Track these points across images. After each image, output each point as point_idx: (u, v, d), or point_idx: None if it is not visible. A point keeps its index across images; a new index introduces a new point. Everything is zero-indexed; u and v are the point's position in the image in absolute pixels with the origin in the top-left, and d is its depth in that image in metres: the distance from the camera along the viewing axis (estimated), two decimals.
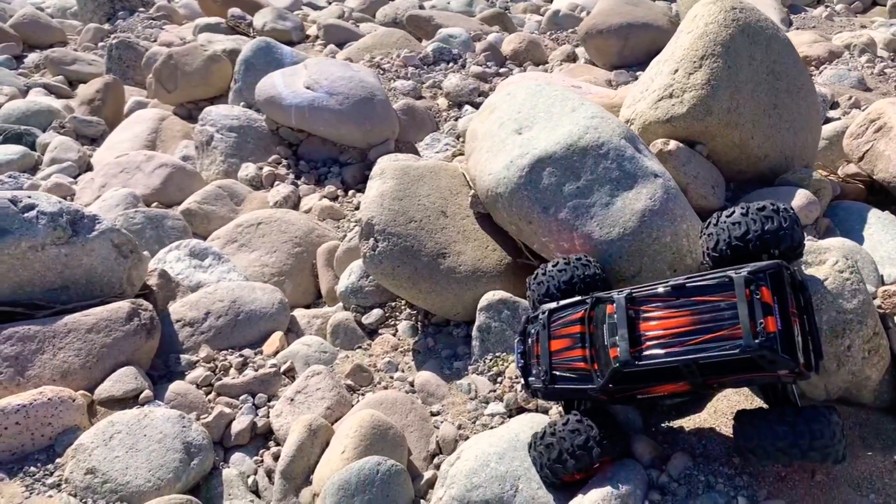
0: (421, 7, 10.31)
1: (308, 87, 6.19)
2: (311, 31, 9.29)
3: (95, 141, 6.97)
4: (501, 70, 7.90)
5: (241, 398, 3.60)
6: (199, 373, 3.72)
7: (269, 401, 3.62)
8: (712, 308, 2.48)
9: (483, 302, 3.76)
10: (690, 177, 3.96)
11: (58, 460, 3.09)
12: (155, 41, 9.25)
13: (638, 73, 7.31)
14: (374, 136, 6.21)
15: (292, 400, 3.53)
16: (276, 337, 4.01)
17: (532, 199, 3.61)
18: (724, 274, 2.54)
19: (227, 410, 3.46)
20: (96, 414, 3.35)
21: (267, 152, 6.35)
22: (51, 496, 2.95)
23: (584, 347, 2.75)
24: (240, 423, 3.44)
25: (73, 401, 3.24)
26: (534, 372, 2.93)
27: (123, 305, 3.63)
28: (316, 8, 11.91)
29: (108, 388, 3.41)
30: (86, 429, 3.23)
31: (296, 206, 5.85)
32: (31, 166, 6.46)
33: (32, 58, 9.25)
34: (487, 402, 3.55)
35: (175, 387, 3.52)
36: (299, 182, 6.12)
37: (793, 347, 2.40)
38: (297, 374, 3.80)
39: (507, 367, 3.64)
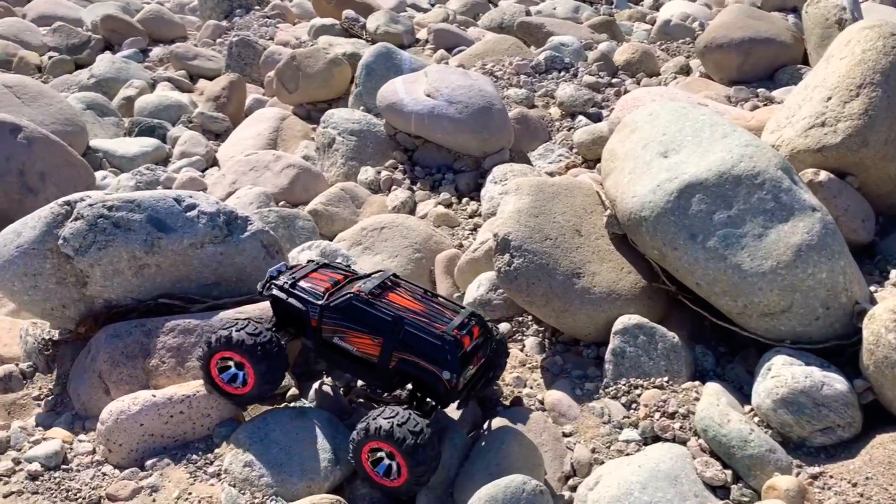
0: (527, 13, 10.29)
1: (428, 95, 6.30)
2: (421, 34, 9.42)
3: (220, 136, 7.29)
4: (614, 80, 7.81)
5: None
6: (336, 374, 3.85)
7: None
8: (438, 312, 3.28)
9: (618, 325, 3.75)
10: (841, 209, 3.83)
11: (216, 450, 3.27)
12: (270, 39, 9.58)
13: (759, 90, 7.10)
14: (489, 146, 6.26)
15: None
16: None
17: (679, 225, 3.57)
18: (460, 304, 3.66)
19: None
20: (247, 408, 3.52)
21: (384, 156, 6.50)
22: (212, 484, 3.12)
23: (333, 285, 3.36)
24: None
25: None
26: (282, 278, 3.39)
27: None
28: (419, 9, 12.06)
29: None
30: (240, 421, 3.40)
31: (412, 212, 5.97)
32: (162, 159, 6.83)
33: (157, 52, 9.74)
34: (622, 428, 3.54)
35: (317, 386, 3.65)
36: (415, 187, 6.24)
37: (461, 366, 3.10)
38: None
39: (643, 393, 3.62)
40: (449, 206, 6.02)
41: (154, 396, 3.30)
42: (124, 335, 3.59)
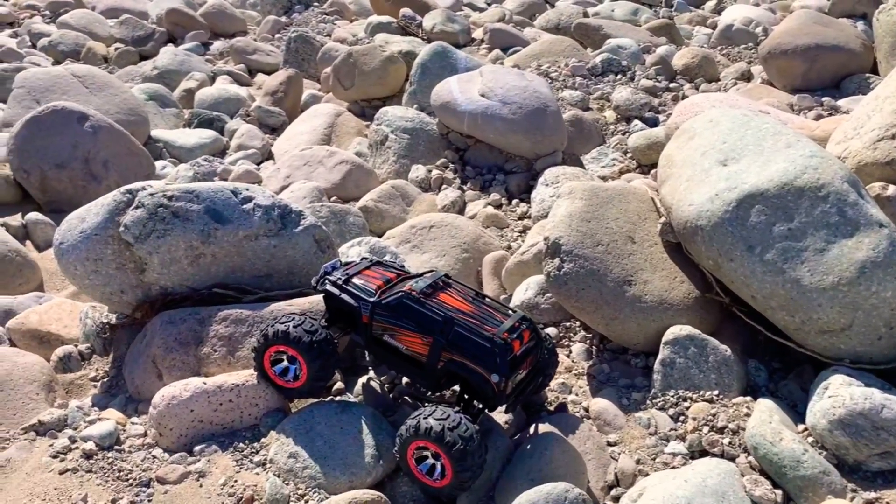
0: (585, 14, 10.17)
1: (483, 95, 6.29)
2: (477, 34, 9.41)
3: (275, 130, 7.42)
4: (672, 85, 7.66)
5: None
6: (381, 370, 3.87)
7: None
8: (489, 314, 3.26)
9: (669, 335, 3.68)
10: None
11: (262, 440, 3.33)
12: (328, 36, 9.70)
13: (824, 99, 6.87)
14: (542, 147, 6.22)
15: None
16: None
17: (736, 235, 3.48)
18: (511, 307, 3.60)
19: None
20: (294, 400, 3.57)
21: (436, 155, 6.52)
22: (257, 473, 3.18)
23: (385, 283, 3.37)
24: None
25: None
26: (335, 274, 3.42)
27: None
28: (475, 8, 12.05)
29: None
30: (287, 412, 3.45)
31: (461, 211, 5.97)
32: (219, 150, 6.99)
33: (217, 45, 9.97)
34: (668, 440, 3.47)
35: (364, 382, 3.69)
36: (465, 187, 6.24)
37: (510, 370, 3.08)
38: None
39: (692, 406, 3.54)
40: (498, 207, 5.99)
41: (205, 384, 3.37)
42: (178, 322, 3.68)
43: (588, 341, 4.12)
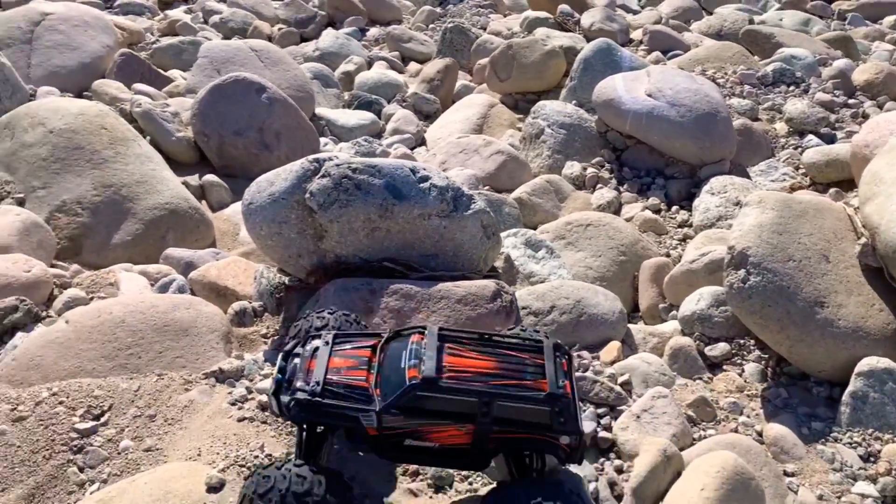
0: (751, 21, 9.64)
1: (649, 95, 6.06)
2: (635, 35, 9.14)
3: (429, 117, 7.50)
4: (850, 101, 7.10)
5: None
6: None
7: (611, 411, 3.59)
8: (518, 362, 2.58)
9: (863, 367, 3.38)
10: None
11: None
12: (482, 28, 9.72)
13: None
14: (709, 154, 5.92)
15: (638, 417, 3.46)
16: (615, 346, 3.97)
17: None
18: (532, 338, 2.73)
19: None
20: None
21: (591, 153, 6.36)
22: None
23: (370, 372, 2.54)
24: (585, 427, 3.43)
25: None
26: (299, 384, 2.55)
27: (489, 284, 3.81)
28: (628, 10, 11.72)
29: None
30: None
31: (617, 212, 5.79)
32: (375, 133, 7.14)
33: (373, 32, 10.22)
34: (855, 479, 3.19)
35: None
36: (621, 188, 6.05)
37: (577, 419, 2.54)
38: (633, 389, 3.73)
39: (886, 447, 3.24)
40: (657, 211, 5.76)
41: None
42: (352, 290, 3.76)
43: (763, 362, 3.86)
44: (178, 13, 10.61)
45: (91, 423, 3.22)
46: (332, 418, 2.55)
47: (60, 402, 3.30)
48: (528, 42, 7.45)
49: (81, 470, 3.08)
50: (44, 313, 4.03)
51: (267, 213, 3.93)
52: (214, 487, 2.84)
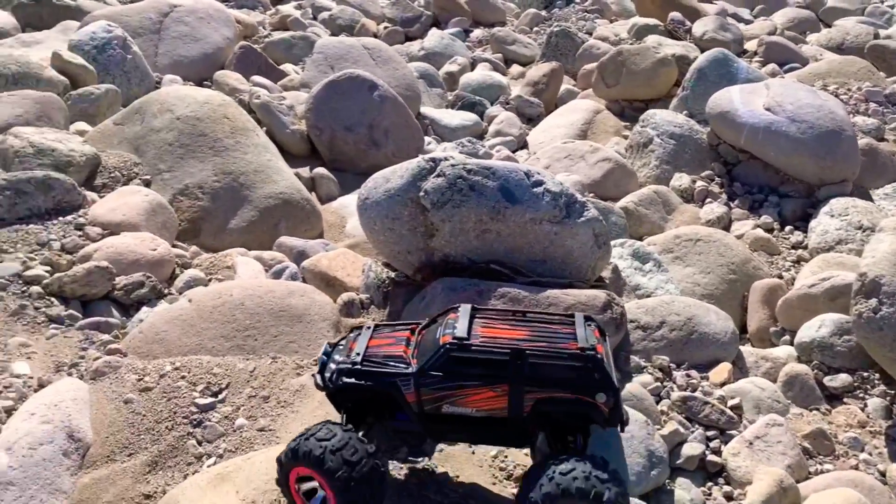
0: (876, 35, 9.10)
1: (768, 109, 5.82)
2: (749, 45, 8.79)
3: (531, 121, 7.47)
4: None
5: (692, 422, 3.51)
6: (646, 379, 3.71)
7: (720, 434, 3.46)
8: (551, 331, 2.65)
9: None
10: None
11: None
12: (587, 34, 9.60)
13: None
14: (830, 174, 5.63)
15: (751, 444, 3.33)
16: (725, 368, 3.84)
17: None
18: (565, 313, 2.84)
19: (681, 430, 3.39)
20: None
21: (700, 166, 6.16)
22: (527, 454, 3.16)
23: (407, 346, 2.69)
24: (692, 449, 3.34)
25: None
26: (340, 358, 2.70)
27: (600, 295, 3.75)
28: (740, 20, 11.29)
29: None
30: None
31: (726, 228, 5.59)
32: (478, 134, 7.17)
33: (477, 33, 10.26)
34: None
35: (632, 388, 3.54)
36: (732, 204, 5.84)
37: (611, 379, 2.54)
38: (744, 414, 3.60)
39: None
40: (769, 230, 5.53)
41: None
42: (459, 290, 3.78)
43: (889, 397, 3.64)
44: (288, 8, 10.97)
45: (210, 399, 3.38)
46: (372, 382, 2.63)
47: (182, 377, 3.47)
48: (639, 49, 7.30)
49: (199, 443, 3.23)
50: (166, 290, 4.26)
51: (381, 209, 4.00)
52: None
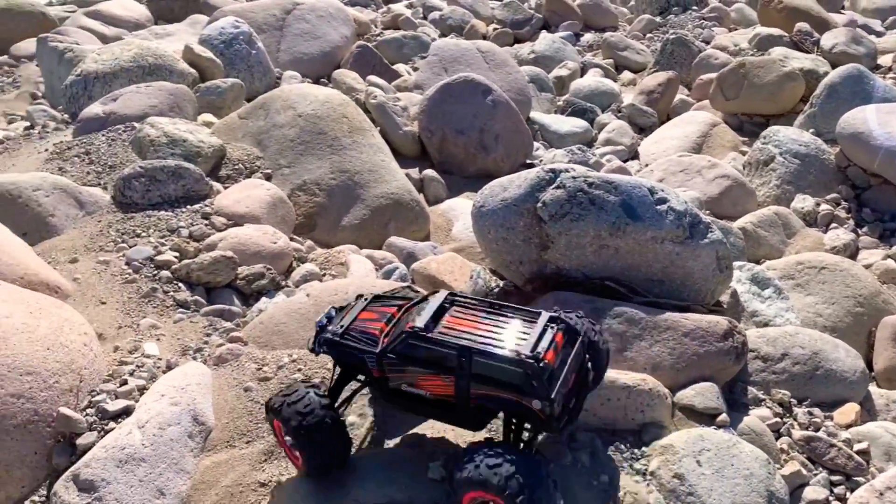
0: None
1: None
2: (883, 60, 8.25)
3: (643, 130, 7.29)
4: None
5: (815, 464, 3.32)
6: (764, 413, 3.54)
7: (846, 480, 3.26)
8: (509, 331, 2.70)
9: None
10: None
11: (644, 449, 3.23)
12: (704, 42, 9.27)
13: None
14: None
15: (881, 494, 3.11)
16: (853, 409, 3.61)
17: None
18: (537, 310, 2.83)
19: (804, 472, 3.22)
20: (673, 417, 3.42)
21: (826, 189, 5.84)
22: (637, 481, 3.09)
23: (387, 324, 2.85)
24: (815, 493, 3.17)
25: (666, 399, 3.34)
26: (330, 327, 2.92)
27: (721, 321, 3.61)
28: (870, 32, 10.62)
29: (690, 396, 3.44)
30: (669, 428, 3.31)
31: (853, 257, 5.27)
32: (587, 141, 7.06)
33: (588, 38, 10.11)
34: None
35: (751, 422, 3.40)
36: (859, 231, 5.50)
37: (552, 386, 2.55)
38: (872, 460, 3.37)
39: None
40: None
41: None
42: (573, 305, 3.71)
43: None
44: (400, 7, 11.16)
45: None
46: (348, 357, 2.90)
47: (299, 370, 3.59)
48: (764, 61, 6.98)
49: None
50: (283, 283, 4.41)
51: (497, 218, 3.99)
52: (436, 480, 2.94)
